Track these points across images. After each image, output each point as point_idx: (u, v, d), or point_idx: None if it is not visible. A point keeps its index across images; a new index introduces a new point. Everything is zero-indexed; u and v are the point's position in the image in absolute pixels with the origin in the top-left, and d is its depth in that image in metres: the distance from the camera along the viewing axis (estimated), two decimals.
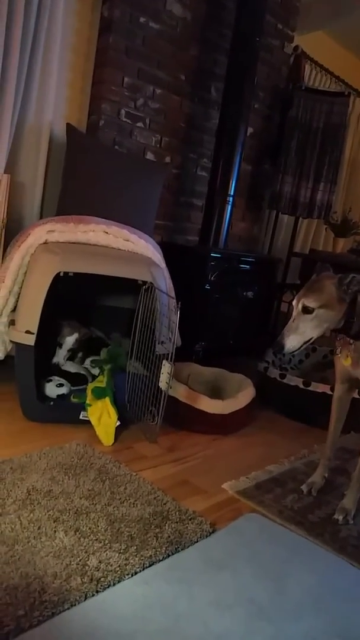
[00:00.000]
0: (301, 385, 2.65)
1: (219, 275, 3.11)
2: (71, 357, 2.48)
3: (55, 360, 2.43)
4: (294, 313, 1.66)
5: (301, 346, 1.66)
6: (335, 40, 4.42)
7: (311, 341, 1.68)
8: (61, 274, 2.03)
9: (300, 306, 1.64)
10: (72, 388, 2.34)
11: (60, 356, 2.44)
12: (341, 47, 4.52)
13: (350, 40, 4.40)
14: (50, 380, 2.30)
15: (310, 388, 2.62)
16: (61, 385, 2.31)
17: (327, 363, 3.14)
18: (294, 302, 1.67)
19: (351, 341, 1.74)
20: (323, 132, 3.74)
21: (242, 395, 2.47)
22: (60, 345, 2.44)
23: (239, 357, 3.28)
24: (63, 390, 2.30)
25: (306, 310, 1.63)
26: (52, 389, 2.29)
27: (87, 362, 2.54)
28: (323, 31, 4.26)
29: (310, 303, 1.62)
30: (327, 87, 4.30)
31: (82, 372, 2.45)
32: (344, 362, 1.82)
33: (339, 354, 1.82)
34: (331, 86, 4.40)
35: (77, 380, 2.39)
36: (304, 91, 3.74)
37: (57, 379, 2.32)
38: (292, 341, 1.65)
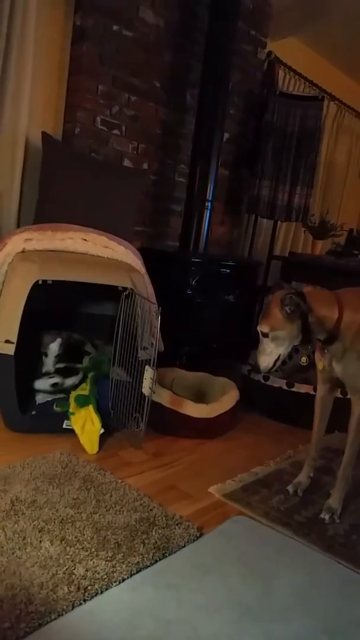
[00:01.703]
0: (285, 387, 2.67)
1: (200, 279, 3.12)
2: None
3: (45, 369, 2.39)
4: (260, 338, 1.79)
5: (275, 364, 1.79)
6: (308, 45, 4.48)
7: (281, 358, 1.78)
8: (40, 282, 2.01)
9: (259, 331, 1.77)
10: (64, 379, 2.35)
11: (49, 365, 2.41)
12: (314, 52, 4.58)
13: (322, 45, 4.46)
14: (42, 377, 2.31)
15: (293, 389, 2.64)
16: (52, 376, 2.31)
17: (309, 364, 3.16)
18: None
19: (325, 348, 1.80)
20: (298, 136, 3.78)
21: (227, 398, 2.47)
22: (46, 354, 2.41)
23: (222, 361, 3.28)
24: (56, 379, 2.31)
25: (264, 334, 1.76)
26: (45, 382, 2.29)
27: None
28: (296, 37, 4.31)
29: (263, 328, 1.75)
30: (301, 92, 4.36)
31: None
32: (318, 367, 1.89)
33: (320, 358, 1.85)
34: (305, 90, 4.45)
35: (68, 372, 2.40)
36: (279, 96, 3.78)
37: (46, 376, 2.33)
38: (264, 362, 1.79)
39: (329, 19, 3.90)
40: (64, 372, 2.38)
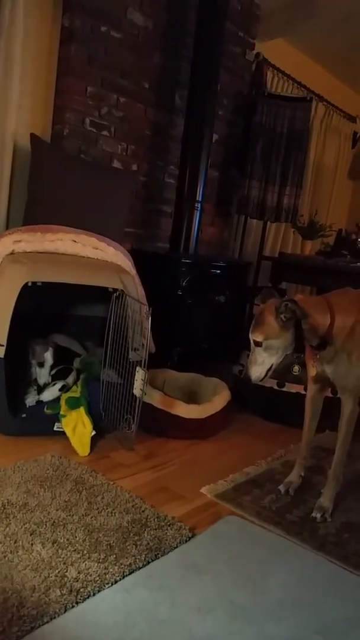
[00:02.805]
0: (275, 387, 2.67)
1: (191, 280, 3.12)
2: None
3: (41, 381, 2.36)
4: (251, 347, 1.76)
5: (266, 374, 1.76)
6: (296, 46, 4.50)
7: (274, 368, 1.76)
8: (29, 284, 2.00)
9: (252, 340, 1.74)
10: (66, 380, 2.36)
11: (45, 376, 2.37)
12: (302, 53, 4.60)
13: (310, 46, 4.49)
14: (44, 391, 2.31)
15: (284, 389, 2.65)
16: (54, 383, 2.32)
17: (300, 364, 3.17)
18: (249, 337, 1.76)
19: (317, 353, 1.80)
20: (287, 137, 3.79)
21: (218, 399, 2.47)
22: (42, 365, 2.38)
23: (213, 362, 3.29)
24: (61, 383, 2.32)
25: (257, 344, 1.73)
26: (51, 391, 2.29)
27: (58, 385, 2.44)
28: (283, 38, 4.33)
29: (257, 337, 1.71)
30: (290, 93, 4.37)
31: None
32: (311, 374, 1.89)
33: (313, 364, 1.86)
34: (293, 91, 4.47)
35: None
36: (267, 97, 3.79)
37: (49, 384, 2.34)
38: (256, 372, 1.75)
39: (316, 20, 3.92)
40: (62, 374, 2.37)
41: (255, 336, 1.73)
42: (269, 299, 1.78)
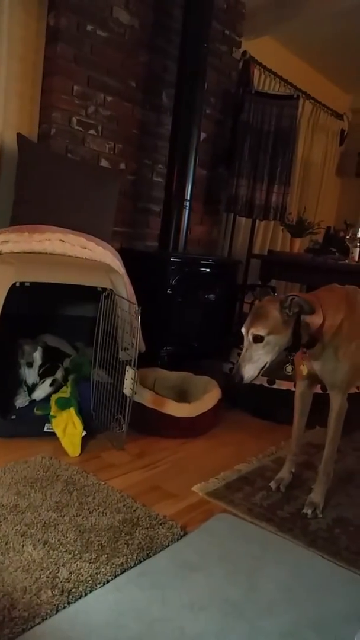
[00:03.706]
0: (266, 384, 2.68)
1: (180, 279, 3.12)
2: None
3: (30, 381, 2.35)
4: (245, 343, 1.67)
5: (258, 373, 1.69)
6: (282, 44, 4.51)
7: (266, 366, 1.70)
8: (17, 285, 1.99)
9: (250, 336, 1.66)
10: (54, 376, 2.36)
11: (34, 376, 2.36)
12: (288, 51, 4.62)
13: (296, 44, 4.50)
14: (35, 390, 2.29)
15: (274, 386, 2.65)
16: (44, 380, 2.31)
17: (290, 361, 3.18)
18: (243, 331, 1.68)
19: (305, 350, 1.79)
20: (275, 135, 3.80)
21: (209, 397, 2.47)
22: (30, 365, 2.37)
23: (204, 360, 3.30)
24: (50, 378, 2.31)
25: (257, 339, 1.65)
26: (42, 389, 2.28)
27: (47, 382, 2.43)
28: (270, 36, 4.34)
29: (260, 331, 1.64)
30: (277, 91, 4.39)
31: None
32: (303, 372, 1.86)
33: (303, 363, 1.86)
34: (280, 89, 4.48)
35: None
36: (254, 95, 3.80)
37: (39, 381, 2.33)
38: (249, 371, 1.67)
39: (302, 18, 3.93)
40: (50, 371, 2.36)
41: (256, 330, 1.64)
42: (264, 295, 1.75)
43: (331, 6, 3.76)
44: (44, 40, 2.90)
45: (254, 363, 1.67)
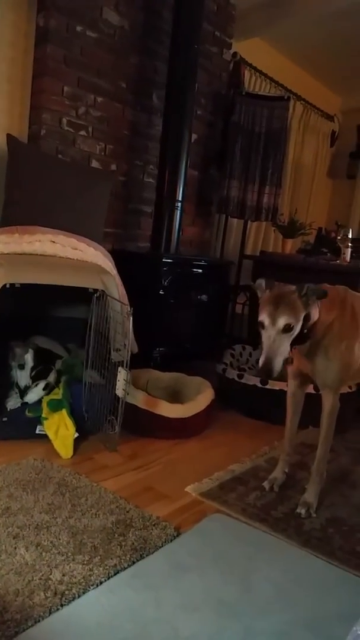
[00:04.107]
0: (259, 384, 2.68)
1: (173, 280, 3.12)
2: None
3: (22, 384, 2.33)
4: (272, 333, 1.57)
5: (282, 366, 1.58)
6: (272, 46, 4.53)
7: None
8: (7, 286, 1.98)
9: (281, 325, 1.57)
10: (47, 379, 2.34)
11: (26, 378, 2.34)
12: (278, 52, 4.63)
13: (286, 46, 4.52)
14: (28, 393, 2.27)
15: (267, 386, 2.65)
16: (37, 383, 2.29)
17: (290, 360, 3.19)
18: (267, 322, 1.59)
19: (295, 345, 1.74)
20: (266, 136, 3.81)
21: (202, 397, 2.47)
22: (22, 367, 2.35)
23: (197, 361, 3.29)
24: (43, 382, 2.30)
25: (286, 328, 1.57)
26: (35, 392, 2.26)
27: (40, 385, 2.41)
28: (260, 38, 4.35)
29: (290, 320, 1.58)
30: (267, 92, 4.40)
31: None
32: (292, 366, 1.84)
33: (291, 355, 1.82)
34: (271, 91, 4.50)
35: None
36: (245, 96, 3.81)
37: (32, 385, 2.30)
38: (278, 364, 1.56)
39: (292, 20, 3.95)
40: (42, 374, 2.35)
41: (286, 319, 1.56)
42: (272, 285, 1.69)
43: (321, 8, 3.78)
44: (33, 41, 2.89)
45: (281, 355, 1.57)
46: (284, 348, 1.58)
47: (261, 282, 1.71)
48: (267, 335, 1.58)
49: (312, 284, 1.63)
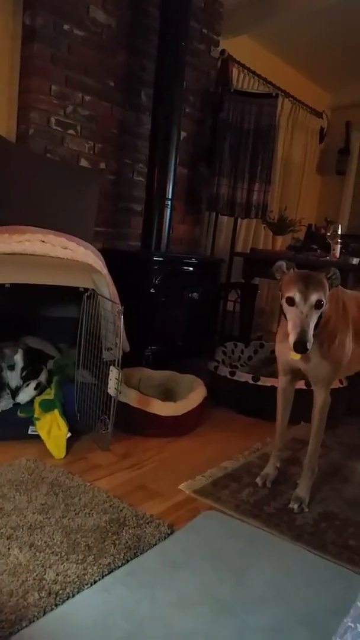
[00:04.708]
0: (251, 381, 2.69)
1: (164, 278, 3.12)
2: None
3: (13, 384, 2.32)
4: (305, 309, 1.61)
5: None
6: (261, 43, 4.53)
7: None
8: None
9: (313, 300, 1.61)
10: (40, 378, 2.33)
11: (16, 379, 2.34)
12: (266, 49, 4.63)
13: (274, 43, 4.52)
14: (19, 393, 2.27)
15: (259, 383, 2.66)
16: (28, 383, 2.28)
17: (275, 357, 3.21)
18: (298, 298, 1.61)
19: None
20: (254, 133, 3.82)
21: (194, 395, 2.48)
22: (12, 367, 2.34)
23: (189, 359, 3.30)
24: (34, 382, 2.29)
25: (319, 304, 1.62)
26: (27, 392, 2.26)
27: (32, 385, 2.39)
28: (248, 35, 4.35)
29: (322, 297, 1.62)
30: (256, 89, 4.40)
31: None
32: (292, 356, 1.81)
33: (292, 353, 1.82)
34: (259, 88, 4.50)
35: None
36: (233, 94, 3.81)
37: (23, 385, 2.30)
38: (311, 338, 1.59)
39: (279, 17, 3.95)
40: (33, 374, 2.34)
41: (320, 296, 1.61)
42: (292, 267, 1.73)
43: (308, 5, 3.78)
44: (20, 40, 2.87)
45: (311, 330, 1.60)
46: (313, 324, 1.61)
47: (281, 263, 1.75)
48: (299, 311, 1.61)
49: (337, 270, 1.67)
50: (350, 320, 1.89)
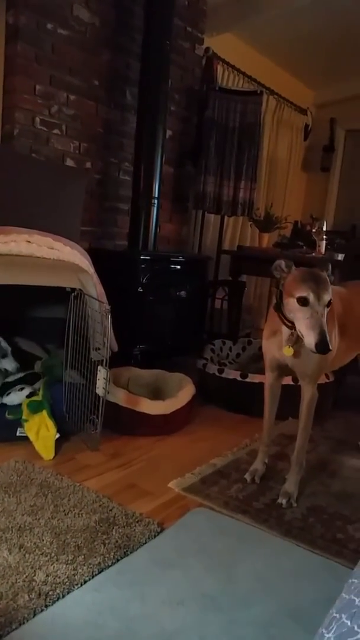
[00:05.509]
0: (239, 378, 2.70)
1: (151, 277, 3.12)
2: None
3: (11, 367, 2.35)
4: (320, 309, 1.60)
5: None
6: (244, 41, 4.53)
7: None
8: None
9: (326, 300, 1.61)
10: (34, 386, 2.31)
11: (11, 363, 2.36)
12: (251, 47, 4.64)
13: (258, 40, 4.53)
14: (9, 393, 2.25)
15: (247, 380, 2.68)
16: (22, 387, 2.26)
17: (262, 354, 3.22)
18: (312, 298, 1.60)
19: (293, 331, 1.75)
20: (240, 131, 3.83)
21: (183, 393, 2.48)
22: (5, 355, 2.35)
23: (177, 357, 3.30)
24: (28, 389, 2.26)
25: (329, 303, 1.63)
26: (17, 395, 2.24)
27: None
28: (232, 33, 4.36)
29: (331, 296, 1.64)
30: (241, 87, 4.41)
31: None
32: (285, 352, 1.81)
33: (287, 345, 1.80)
34: (244, 85, 4.51)
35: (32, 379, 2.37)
36: (218, 91, 3.82)
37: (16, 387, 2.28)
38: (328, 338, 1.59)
39: (263, 15, 3.96)
40: (30, 379, 2.34)
41: (329, 295, 1.61)
42: (291, 265, 1.73)
43: (292, 2, 3.79)
44: (3, 39, 2.86)
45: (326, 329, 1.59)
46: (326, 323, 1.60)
47: (281, 262, 1.73)
48: (315, 311, 1.60)
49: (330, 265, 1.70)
50: (336, 316, 1.91)
